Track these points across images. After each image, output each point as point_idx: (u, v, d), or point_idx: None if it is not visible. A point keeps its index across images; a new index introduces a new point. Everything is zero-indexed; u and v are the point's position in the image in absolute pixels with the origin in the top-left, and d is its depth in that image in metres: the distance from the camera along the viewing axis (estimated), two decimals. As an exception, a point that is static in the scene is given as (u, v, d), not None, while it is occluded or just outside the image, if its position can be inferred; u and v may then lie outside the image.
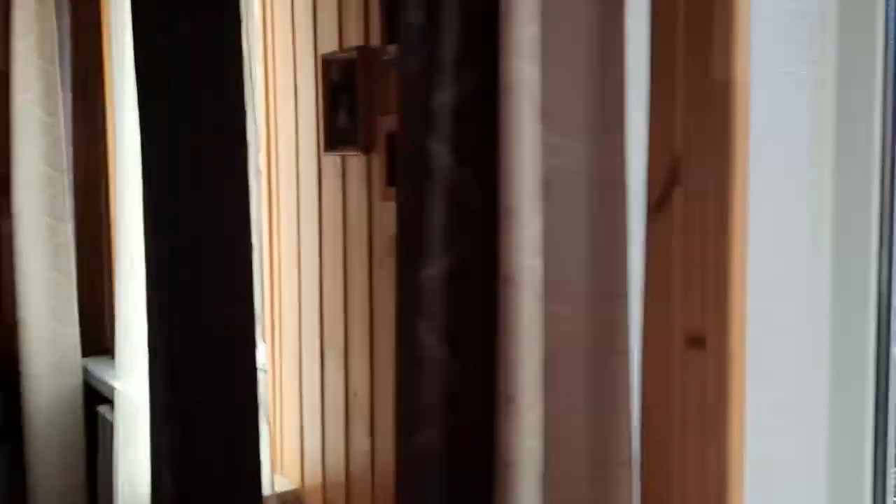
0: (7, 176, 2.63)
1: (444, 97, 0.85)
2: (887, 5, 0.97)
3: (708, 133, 0.93)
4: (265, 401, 1.75)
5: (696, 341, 0.97)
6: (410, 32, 0.86)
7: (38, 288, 2.63)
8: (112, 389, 2.49)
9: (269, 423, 1.78)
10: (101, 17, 2.72)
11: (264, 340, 1.87)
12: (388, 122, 1.48)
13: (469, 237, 0.86)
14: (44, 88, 2.59)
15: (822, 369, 1.03)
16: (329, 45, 1.65)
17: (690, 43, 0.91)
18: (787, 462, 1.03)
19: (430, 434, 0.87)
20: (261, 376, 1.72)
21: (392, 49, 1.44)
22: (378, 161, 1.51)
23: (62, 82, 2.60)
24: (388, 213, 1.50)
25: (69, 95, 2.63)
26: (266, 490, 1.71)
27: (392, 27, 1.45)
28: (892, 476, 1.01)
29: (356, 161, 1.59)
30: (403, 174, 0.93)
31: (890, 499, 1.01)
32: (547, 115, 0.82)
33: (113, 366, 2.71)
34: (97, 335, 2.83)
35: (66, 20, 2.61)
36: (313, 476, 1.79)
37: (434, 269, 0.86)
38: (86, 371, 2.71)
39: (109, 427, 2.44)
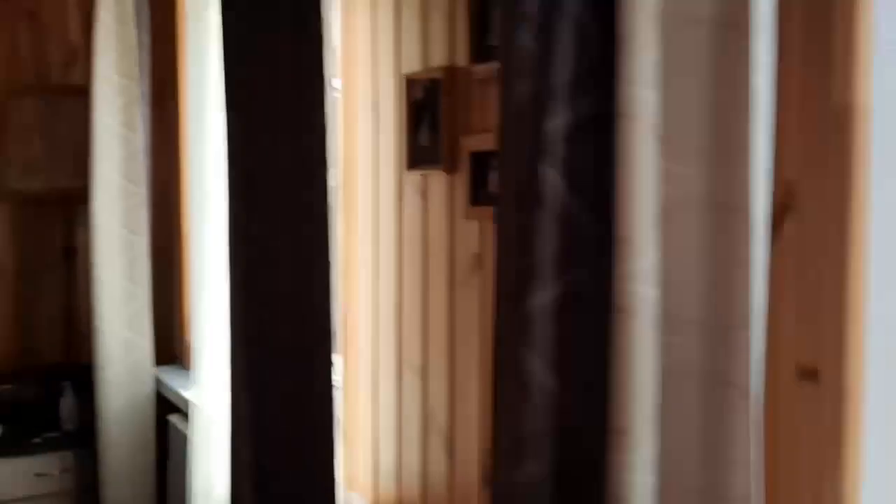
0: (86, 188, 2.71)
1: (557, 122, 0.84)
2: None
3: (826, 158, 0.90)
4: (338, 417, 1.76)
5: (809, 373, 0.94)
6: (521, 56, 0.86)
7: (114, 298, 2.69)
8: (182, 398, 2.54)
9: (342, 439, 1.78)
10: (176, 34, 2.79)
11: (339, 356, 1.88)
12: (472, 141, 1.48)
13: (580, 265, 0.85)
14: (123, 103, 2.66)
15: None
16: (411, 64, 1.65)
17: (810, 66, 0.89)
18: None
19: (534, 467, 0.85)
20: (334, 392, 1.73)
21: (480, 69, 1.44)
22: (461, 180, 1.51)
23: (141, 96, 2.67)
24: (471, 232, 1.50)
25: (147, 109, 2.70)
26: (340, 506, 1.72)
27: (480, 48, 1.44)
28: None
29: (438, 179, 1.59)
30: (507, 198, 0.92)
31: None
32: (665, 142, 0.80)
33: (183, 375, 2.77)
34: (167, 345, 2.88)
35: (146, 38, 2.68)
36: (387, 494, 1.78)
37: (542, 297, 0.85)
38: (157, 380, 2.77)
39: (180, 436, 2.49)
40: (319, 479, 1.67)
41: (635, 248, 0.79)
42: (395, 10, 1.71)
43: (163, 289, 2.82)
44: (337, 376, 1.78)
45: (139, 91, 2.64)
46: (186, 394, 2.53)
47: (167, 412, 2.66)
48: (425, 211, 1.64)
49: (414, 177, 1.66)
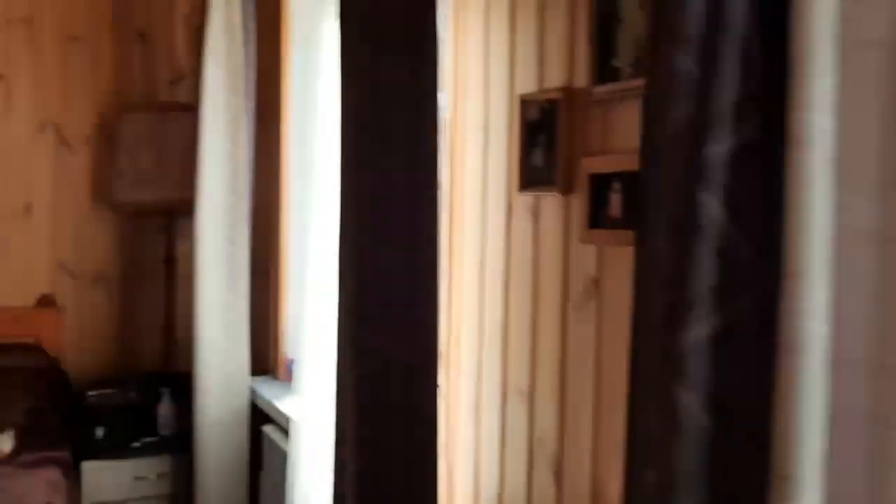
0: (190, 200, 2.80)
1: (719, 148, 0.80)
2: None
3: None
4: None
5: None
6: (680, 79, 0.83)
7: (214, 308, 2.76)
8: (276, 409, 2.57)
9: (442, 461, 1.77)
10: (280, 54, 2.86)
11: (441, 377, 1.87)
12: (592, 163, 1.45)
13: (739, 299, 0.81)
14: (229, 119, 2.74)
15: None
16: (525, 85, 1.64)
17: None
18: None
19: (684, 505, 0.82)
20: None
21: (601, 90, 1.42)
22: (578, 202, 1.48)
23: (246, 113, 2.74)
24: (586, 256, 1.47)
25: (252, 125, 2.77)
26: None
27: (602, 69, 1.42)
28: None
29: (552, 201, 1.56)
30: (657, 225, 0.88)
31: None
32: (838, 171, 0.76)
33: (276, 387, 2.81)
34: (262, 356, 2.94)
35: (253, 56, 2.76)
36: (488, 518, 1.76)
37: (697, 331, 0.81)
38: (251, 390, 2.82)
39: (274, 447, 2.52)
40: (422, 498, 1.66)
41: (805, 283, 0.75)
42: (510, 31, 1.71)
43: (259, 301, 2.88)
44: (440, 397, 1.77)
45: (245, 108, 2.71)
46: (281, 405, 2.57)
47: (260, 423, 2.70)
48: (536, 233, 1.62)
49: (525, 198, 1.64)
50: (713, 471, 0.81)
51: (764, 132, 0.80)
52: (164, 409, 2.93)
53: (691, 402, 0.81)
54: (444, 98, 1.80)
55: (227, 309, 2.75)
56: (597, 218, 1.44)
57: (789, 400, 0.76)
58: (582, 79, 1.49)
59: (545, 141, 1.58)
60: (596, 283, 1.44)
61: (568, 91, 1.51)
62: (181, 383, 2.92)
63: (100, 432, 2.82)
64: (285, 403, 2.57)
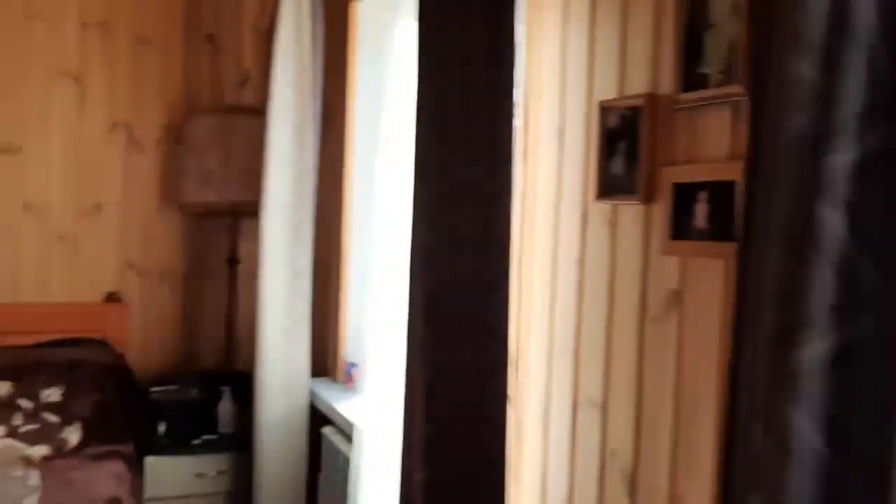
0: (255, 202, 2.83)
1: (841, 159, 0.77)
2: None
3: None
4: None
5: None
6: (797, 87, 0.79)
7: (276, 309, 2.78)
8: (334, 411, 2.58)
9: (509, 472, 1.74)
10: (346, 57, 2.88)
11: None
12: (676, 172, 1.41)
13: (859, 317, 0.77)
14: (296, 122, 2.76)
15: None
16: (605, 91, 1.61)
17: None
18: None
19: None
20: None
21: (688, 97, 1.38)
22: (660, 211, 1.45)
23: (313, 117, 2.76)
24: (668, 267, 1.43)
25: (319, 128, 2.79)
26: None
27: (689, 75, 1.38)
28: None
29: (630, 210, 1.53)
30: (767, 239, 0.85)
31: None
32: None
33: (334, 389, 2.82)
34: (321, 358, 2.95)
35: (320, 59, 2.78)
36: (555, 531, 1.73)
37: (814, 350, 0.78)
38: (311, 392, 2.83)
39: (333, 449, 2.52)
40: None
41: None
42: (589, 37, 1.68)
43: (319, 302, 2.90)
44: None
45: (311, 111, 2.73)
46: (340, 408, 2.57)
47: (319, 424, 2.71)
48: (613, 242, 1.59)
49: (602, 207, 1.61)
50: (826, 499, 0.77)
51: (891, 143, 0.76)
52: (224, 407, 2.97)
53: (804, 424, 0.77)
54: (517, 103, 1.78)
55: (289, 310, 2.77)
56: (679, 229, 1.41)
57: (916, 427, 0.72)
58: (666, 85, 1.45)
59: (626, 148, 1.55)
60: (678, 296, 1.40)
61: (651, 98, 1.48)
62: (241, 382, 2.96)
63: (162, 428, 2.87)
64: (344, 406, 2.57)
